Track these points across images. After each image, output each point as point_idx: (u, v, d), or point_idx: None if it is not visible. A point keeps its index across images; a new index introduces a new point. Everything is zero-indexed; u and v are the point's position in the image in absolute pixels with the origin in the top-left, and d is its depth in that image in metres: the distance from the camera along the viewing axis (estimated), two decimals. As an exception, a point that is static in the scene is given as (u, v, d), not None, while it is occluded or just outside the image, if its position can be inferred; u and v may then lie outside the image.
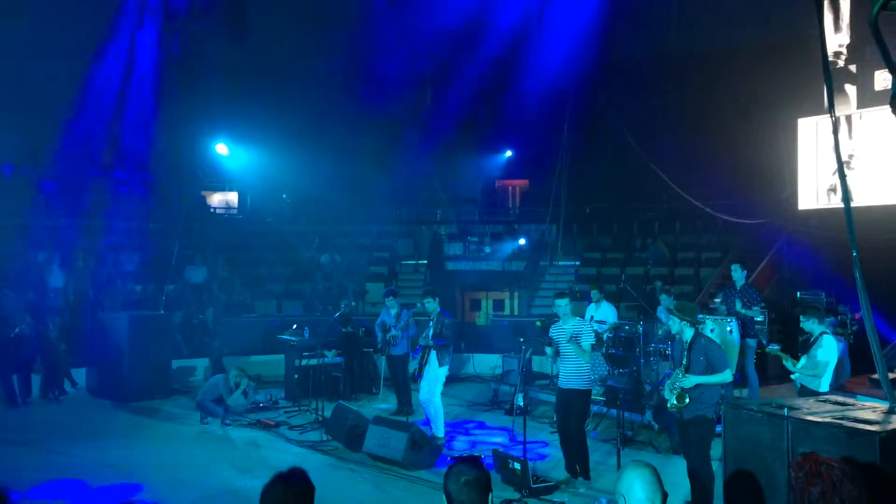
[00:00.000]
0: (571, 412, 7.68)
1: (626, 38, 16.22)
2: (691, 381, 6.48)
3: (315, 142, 19.31)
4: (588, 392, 7.78)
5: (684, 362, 6.57)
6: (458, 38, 17.86)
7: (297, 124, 19.07)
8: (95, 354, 12.66)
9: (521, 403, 10.13)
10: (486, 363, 13.61)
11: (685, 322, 6.64)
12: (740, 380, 9.62)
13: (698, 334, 6.70)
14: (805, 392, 7.35)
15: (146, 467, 8.44)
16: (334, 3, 18.24)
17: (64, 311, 13.63)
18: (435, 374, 9.49)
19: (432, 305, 9.74)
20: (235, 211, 21.99)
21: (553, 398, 10.42)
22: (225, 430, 10.26)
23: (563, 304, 7.72)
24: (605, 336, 10.38)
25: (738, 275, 10.15)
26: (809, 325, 7.72)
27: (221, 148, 20.15)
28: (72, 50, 15.89)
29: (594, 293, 11.33)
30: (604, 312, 11.04)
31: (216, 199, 22.35)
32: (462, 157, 20.97)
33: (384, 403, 11.47)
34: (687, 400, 6.46)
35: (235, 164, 20.50)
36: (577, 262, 17.34)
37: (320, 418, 10.46)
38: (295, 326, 12.76)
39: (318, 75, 18.69)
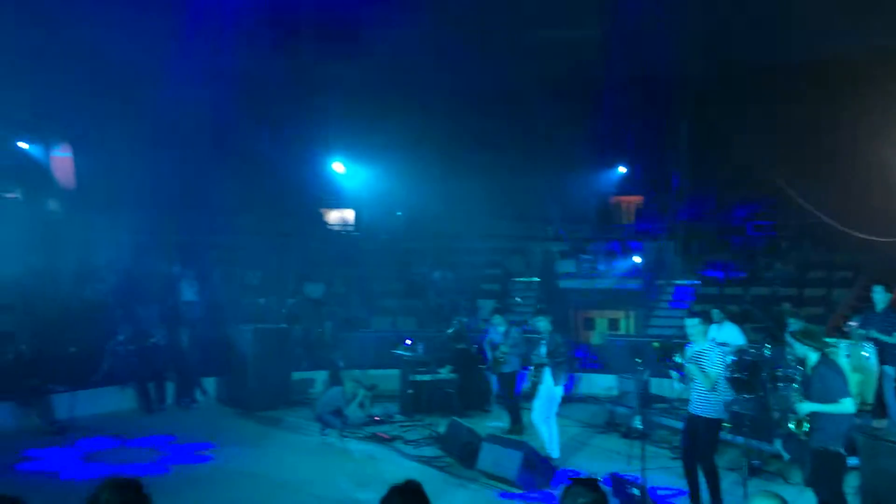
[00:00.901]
0: (698, 441, 7.34)
1: (748, 44, 15.53)
2: (806, 408, 6.14)
3: (428, 159, 19.62)
4: (718, 421, 7.31)
5: (803, 388, 6.24)
6: (569, 51, 17.76)
7: (411, 142, 19.44)
8: (223, 365, 13.28)
9: (639, 427, 9.92)
10: (600, 384, 13.35)
11: (809, 347, 6.29)
12: (878, 409, 8.99)
13: (822, 360, 6.30)
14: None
15: (269, 476, 8.77)
16: (446, 21, 18.48)
17: (195, 323, 14.37)
18: (549, 394, 9.40)
19: (544, 324, 9.68)
20: (352, 228, 22.61)
21: (673, 423, 10.15)
22: (343, 442, 10.50)
23: (692, 325, 7.42)
24: (728, 359, 9.95)
25: (880, 297, 9.40)
26: None
27: (338, 166, 20.81)
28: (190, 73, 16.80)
29: (716, 313, 10.88)
30: (727, 334, 10.60)
31: (333, 217, 23.07)
32: (575, 174, 20.75)
33: (497, 421, 11.42)
34: (806, 426, 6.11)
35: (352, 182, 21.11)
36: (697, 281, 16.74)
37: (434, 434, 10.57)
38: (409, 342, 12.98)
39: (431, 93, 18.99)
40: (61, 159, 18.18)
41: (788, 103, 16.75)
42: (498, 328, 11.17)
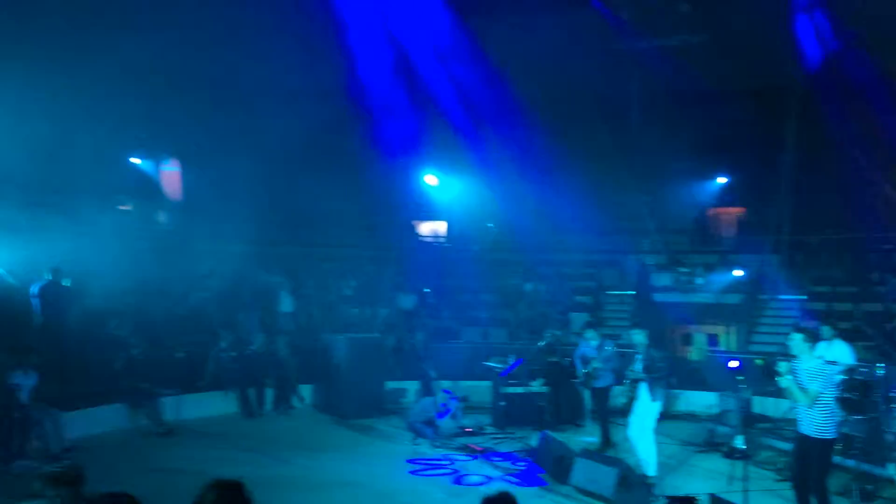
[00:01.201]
0: (810, 463, 6.96)
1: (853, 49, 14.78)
2: None
3: (521, 171, 19.57)
4: (830, 442, 6.89)
5: None
6: (666, 60, 17.40)
7: (502, 154, 19.46)
8: (319, 373, 13.60)
9: (742, 447, 9.54)
10: (699, 401, 12.93)
11: None
12: None
13: None
14: None
15: (362, 483, 8.90)
16: (540, 32, 18.42)
17: (293, 332, 14.78)
18: (646, 410, 9.16)
19: (640, 338, 9.45)
20: (444, 239, 22.79)
21: (779, 444, 9.71)
22: (435, 451, 10.56)
23: (796, 341, 7.06)
24: (837, 378, 9.44)
25: None
26: None
27: (431, 179, 21.02)
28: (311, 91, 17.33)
29: (826, 330, 10.34)
30: (837, 352, 10.05)
31: (425, 228, 23.32)
32: (671, 185, 20.25)
33: (590, 436, 11.23)
34: None
35: (444, 195, 21.29)
36: (804, 297, 15.97)
37: (526, 447, 10.48)
38: (506, 357, 12.94)
39: (524, 105, 18.96)
40: (170, 173, 19.12)
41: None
42: (590, 342, 10.99)
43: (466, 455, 10.41)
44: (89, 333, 12.47)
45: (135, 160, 18.92)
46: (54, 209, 13.88)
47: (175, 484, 8.08)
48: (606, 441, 10.66)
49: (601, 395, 10.85)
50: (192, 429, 11.53)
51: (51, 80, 13.68)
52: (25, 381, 9.63)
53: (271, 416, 12.77)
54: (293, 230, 18.77)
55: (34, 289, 11.46)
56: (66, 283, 12.26)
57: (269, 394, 13.12)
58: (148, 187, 18.90)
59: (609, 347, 10.85)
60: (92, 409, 11.07)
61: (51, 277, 11.56)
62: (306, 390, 13.54)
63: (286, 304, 15.45)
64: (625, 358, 11.08)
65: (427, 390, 13.20)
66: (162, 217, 18.88)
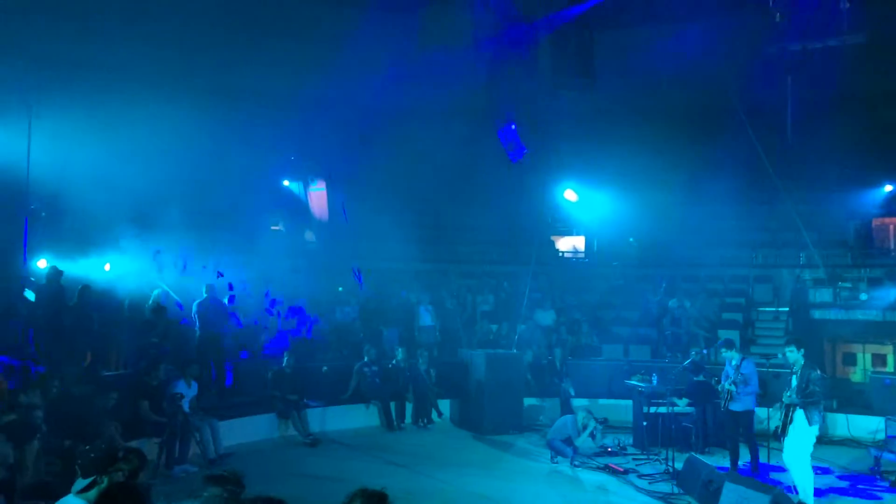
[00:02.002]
0: None
1: None
2: None
3: (662, 184, 19.00)
4: None
5: None
6: (822, 61, 16.35)
7: (643, 167, 18.96)
8: (458, 388, 13.73)
9: (913, 477, 8.73)
10: (863, 426, 11.93)
11: None
12: None
13: None
14: None
15: (500, 500, 8.88)
16: (683, 39, 17.85)
17: (431, 347, 15.03)
18: (802, 435, 8.55)
19: (795, 355, 8.75)
20: (582, 255, 22.46)
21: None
22: (574, 471, 10.38)
23: None
24: None
25: None
26: None
27: (570, 194, 20.82)
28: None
29: None
30: None
31: (564, 244, 23.07)
32: (829, 194, 18.92)
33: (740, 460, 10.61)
34: None
35: (583, 210, 21.01)
36: None
37: (671, 469, 10.08)
38: (643, 374, 12.56)
39: (667, 115, 18.44)
40: (317, 194, 20.08)
41: None
42: (731, 362, 10.30)
43: (607, 475, 10.15)
44: (243, 347, 13.29)
45: (285, 183, 20.05)
46: (212, 231, 14.87)
47: (320, 492, 8.44)
48: (753, 465, 10.03)
49: (738, 419, 10.08)
50: (336, 440, 11.97)
51: (210, 110, 14.81)
52: (187, 391, 10.37)
53: (411, 430, 13.02)
54: (434, 247, 19.14)
55: (194, 304, 12.32)
56: (224, 298, 13.11)
57: (409, 408, 13.37)
58: (297, 208, 19.95)
59: (749, 367, 10.07)
60: (245, 419, 11.74)
61: (207, 294, 12.38)
62: (445, 405, 13.69)
63: (426, 319, 15.73)
64: (779, 378, 10.45)
65: (566, 408, 13.01)
66: (309, 235, 19.81)
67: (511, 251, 20.21)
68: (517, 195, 19.99)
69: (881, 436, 10.84)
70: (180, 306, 12.80)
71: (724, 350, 10.42)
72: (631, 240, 20.96)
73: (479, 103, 18.15)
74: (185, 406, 10.17)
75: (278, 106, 17.52)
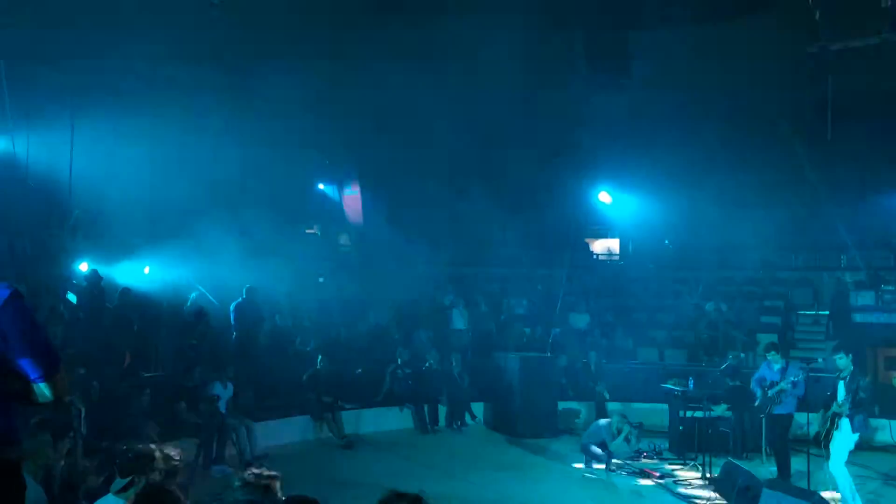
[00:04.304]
0: None
1: None
2: None
3: (698, 185, 18.76)
4: None
5: None
6: (864, 62, 15.99)
7: (679, 169, 18.75)
8: (491, 391, 13.71)
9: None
10: (909, 432, 11.66)
11: None
12: None
13: None
14: None
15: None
16: (718, 41, 17.60)
17: (465, 350, 15.03)
18: (846, 441, 8.42)
19: (844, 362, 8.64)
20: (617, 257, 22.29)
21: None
22: (608, 475, 10.30)
23: None
24: None
25: None
26: None
27: (604, 196, 20.69)
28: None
29: None
30: None
31: (599, 246, 22.92)
32: (871, 194, 18.50)
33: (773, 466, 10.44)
34: None
35: (617, 212, 20.86)
36: None
37: (707, 475, 9.95)
38: (679, 378, 12.42)
39: (698, 117, 18.18)
40: (352, 197, 20.21)
41: None
42: (773, 365, 10.19)
43: (642, 480, 10.06)
44: (279, 349, 13.42)
45: (320, 186, 20.24)
46: (248, 233, 15.05)
47: (355, 493, 8.49)
48: (786, 472, 9.86)
49: (781, 422, 10.01)
50: (370, 442, 12.04)
51: (246, 114, 14.99)
52: (224, 392, 10.51)
53: (445, 433, 13.02)
54: (468, 249, 19.14)
55: (231, 306, 12.49)
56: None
57: (443, 411, 13.38)
58: (332, 211, 20.11)
59: (796, 371, 9.99)
60: (281, 420, 11.86)
61: (245, 296, 12.54)
62: (478, 408, 13.69)
63: (459, 322, 15.74)
64: (819, 383, 10.26)
65: (601, 412, 12.91)
66: (344, 239, 19.96)
67: (546, 253, 20.12)
68: (552, 196, 19.89)
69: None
70: (216, 307, 12.98)
71: (769, 354, 10.31)
72: (667, 242, 20.75)
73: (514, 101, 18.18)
74: (222, 407, 10.31)
75: (312, 109, 17.70)
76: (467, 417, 13.41)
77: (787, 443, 10.01)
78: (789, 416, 9.96)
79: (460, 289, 17.31)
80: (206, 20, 13.98)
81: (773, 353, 10.32)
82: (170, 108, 13.58)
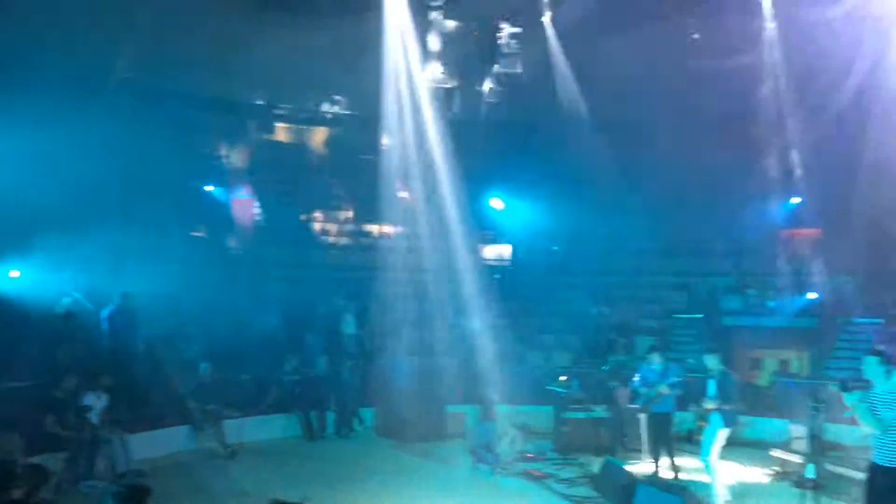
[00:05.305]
0: (883, 494, 6.60)
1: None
2: None
3: (584, 194, 19.42)
4: None
5: None
6: (736, 79, 17.03)
7: (566, 176, 19.34)
8: (381, 396, 13.67)
9: (812, 476, 9.12)
10: (769, 428, 12.42)
11: None
12: None
13: None
14: None
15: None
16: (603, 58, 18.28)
17: (356, 355, 14.92)
18: (716, 436, 8.94)
19: (713, 362, 9.23)
20: (508, 262, 22.67)
21: (852, 473, 9.25)
22: (495, 477, 10.48)
23: (870, 364, 6.71)
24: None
25: None
26: None
27: (496, 202, 21.04)
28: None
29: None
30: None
31: (490, 252, 23.24)
32: (742, 206, 19.68)
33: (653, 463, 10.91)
34: None
35: (508, 218, 21.27)
36: (880, 320, 15.27)
37: (588, 473, 10.29)
38: (564, 378, 12.79)
39: (587, 126, 18.83)
40: (242, 200, 19.70)
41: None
42: (653, 366, 10.68)
43: (527, 481, 10.28)
44: (158, 356, 12.90)
45: (208, 188, 19.64)
46: (126, 235, 14.42)
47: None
48: (672, 468, 10.34)
49: (662, 420, 10.51)
50: (255, 451, 11.77)
51: (133, 114, 14.41)
52: (96, 403, 10.01)
53: (332, 440, 12.89)
54: (365, 252, 19.00)
55: (104, 313, 11.92)
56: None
57: (331, 417, 13.23)
58: (220, 214, 19.53)
59: (675, 371, 10.52)
60: (160, 431, 11.41)
61: (119, 302, 12.01)
62: (367, 413, 13.62)
63: (350, 326, 15.61)
64: (692, 383, 10.78)
65: (488, 415, 13.09)
66: (232, 242, 19.42)
67: (438, 257, 20.22)
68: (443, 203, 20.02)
69: (786, 437, 11.29)
70: (92, 314, 12.36)
71: (650, 355, 10.77)
72: (555, 248, 21.28)
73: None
74: (94, 418, 9.81)
75: (203, 108, 17.22)
76: (356, 423, 13.33)
77: (670, 439, 10.47)
78: (669, 414, 10.43)
79: (352, 292, 17.18)
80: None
81: (654, 354, 10.81)
82: (49, 102, 12.84)
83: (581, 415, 12.17)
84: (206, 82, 16.70)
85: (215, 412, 11.78)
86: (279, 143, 18.21)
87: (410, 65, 17.07)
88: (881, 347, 7.44)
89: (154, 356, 12.88)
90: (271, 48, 15.21)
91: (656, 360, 10.65)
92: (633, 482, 8.75)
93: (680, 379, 10.28)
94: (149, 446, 10.92)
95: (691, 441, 11.29)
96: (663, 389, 10.25)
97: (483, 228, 22.00)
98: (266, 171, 18.52)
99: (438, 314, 17.01)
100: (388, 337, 16.16)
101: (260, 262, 17.33)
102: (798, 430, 10.59)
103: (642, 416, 11.21)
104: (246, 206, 19.67)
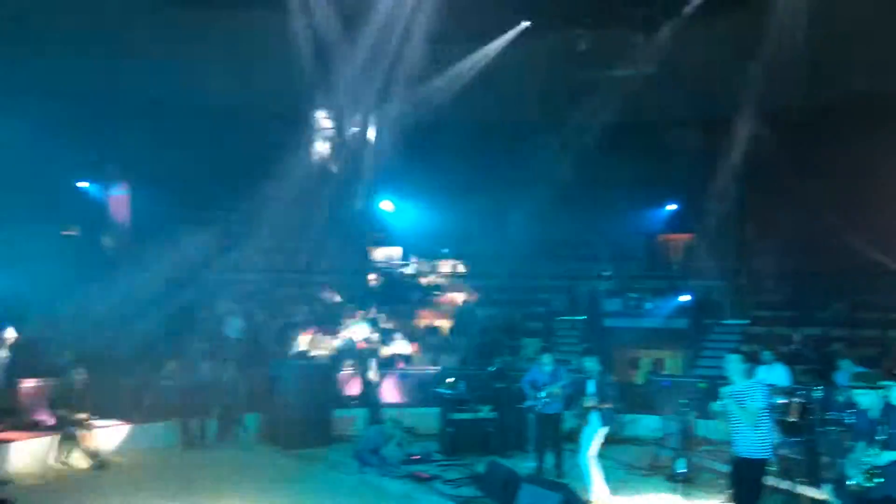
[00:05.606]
0: (743, 483, 7.10)
1: (796, 81, 15.20)
2: (887, 457, 5.84)
3: (474, 197, 19.75)
4: (762, 462, 7.04)
5: (878, 437, 5.93)
6: (618, 89, 17.79)
7: (457, 180, 19.60)
8: (266, 401, 13.36)
9: (683, 470, 9.64)
10: (645, 425, 13.01)
11: (872, 392, 6.06)
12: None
13: (891, 406, 6.07)
14: None
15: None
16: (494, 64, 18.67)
17: (239, 359, 14.50)
18: (594, 435, 9.28)
19: (592, 364, 9.57)
20: (398, 265, 22.69)
21: (720, 466, 9.83)
22: (381, 480, 10.46)
23: (733, 362, 7.17)
24: (775, 400, 9.62)
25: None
26: None
27: (387, 204, 21.06)
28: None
29: (766, 354, 10.63)
30: (777, 375, 10.30)
31: (380, 254, 23.20)
32: (622, 212, 20.57)
33: (536, 462, 11.20)
34: (875, 481, 5.82)
35: (400, 220, 21.33)
36: (746, 321, 16.33)
37: (473, 474, 10.44)
38: (451, 380, 12.93)
39: (474, 132, 19.18)
40: (118, 197, 18.81)
41: (840, 143, 16.40)
42: (544, 367, 10.93)
43: (413, 483, 10.31)
44: (24, 362, 12.12)
45: (82, 184, 18.66)
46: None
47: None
48: (557, 467, 10.65)
49: (553, 420, 10.79)
50: (129, 461, 11.22)
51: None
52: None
53: (214, 447, 12.42)
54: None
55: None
56: None
57: (213, 424, 12.81)
58: (95, 212, 18.59)
59: (565, 373, 10.82)
60: (23, 442, 10.69)
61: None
62: (252, 419, 13.27)
63: (233, 330, 15.18)
64: (577, 383, 11.13)
65: (375, 418, 13.08)
66: (108, 241, 18.50)
67: (326, 260, 20.04)
68: (334, 206, 19.88)
69: (660, 433, 11.85)
70: None
71: (542, 357, 11.02)
72: (445, 251, 21.50)
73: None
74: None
75: (75, 105, 16.35)
76: (239, 430, 12.95)
77: (558, 439, 10.74)
78: (559, 415, 10.71)
79: (238, 295, 16.74)
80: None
81: (545, 355, 11.05)
82: None
83: (467, 416, 12.33)
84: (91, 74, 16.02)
85: (85, 421, 11.15)
86: (162, 139, 17.48)
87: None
88: (741, 347, 8.00)
89: (21, 362, 12.07)
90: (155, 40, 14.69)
91: (547, 362, 10.91)
92: (516, 481, 8.93)
93: (570, 381, 10.59)
94: (12, 459, 10.22)
95: (573, 440, 11.66)
96: (556, 391, 10.54)
97: (373, 230, 22.03)
98: (144, 168, 17.73)
99: (326, 317, 16.88)
100: (275, 341, 15.89)
101: (138, 262, 16.56)
102: (671, 427, 11.14)
103: (531, 416, 11.46)
104: (122, 203, 18.81)
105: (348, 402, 14.14)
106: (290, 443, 12.39)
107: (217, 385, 13.03)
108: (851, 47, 15.46)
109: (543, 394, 10.62)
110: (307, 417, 12.67)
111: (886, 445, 5.88)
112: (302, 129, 18.02)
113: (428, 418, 13.10)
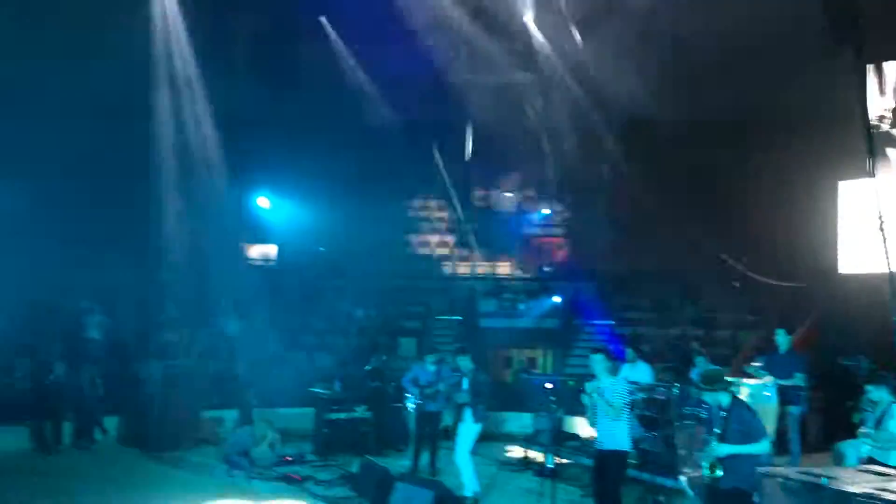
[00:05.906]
0: (606, 475, 7.43)
1: (659, 96, 16.05)
2: (724, 450, 6.26)
3: (353, 197, 19.59)
4: (624, 454, 7.43)
5: (717, 430, 6.37)
6: (495, 94, 18.19)
7: (336, 179, 19.37)
8: (129, 403, 12.73)
9: (551, 465, 9.96)
10: (517, 422, 13.35)
11: (717, 391, 6.49)
12: (779, 447, 9.28)
13: (736, 402, 6.53)
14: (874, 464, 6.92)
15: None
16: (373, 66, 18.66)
17: (99, 360, 13.75)
18: (468, 432, 9.41)
19: (466, 363, 9.71)
20: (273, 263, 22.18)
21: (586, 461, 10.22)
22: (250, 483, 10.18)
23: (596, 361, 7.51)
24: (637, 397, 10.11)
25: (782, 339, 9.88)
26: (879, 394, 7.18)
27: (262, 201, 20.53)
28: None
29: (629, 353, 11.13)
30: (639, 373, 10.80)
31: (255, 251, 22.59)
32: (499, 213, 21.05)
33: (412, 460, 11.26)
34: (720, 471, 6.23)
35: (276, 218, 20.83)
36: (613, 322, 17.08)
37: (347, 473, 10.36)
38: (327, 382, 12.77)
39: (355, 131, 19.06)
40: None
41: (700, 156, 17.40)
42: (428, 367, 11.02)
43: (285, 485, 10.10)
44: None
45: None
46: None
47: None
48: (433, 464, 10.73)
49: (433, 418, 10.86)
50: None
51: None
52: None
53: (69, 452, 11.69)
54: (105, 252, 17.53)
55: None
56: None
57: (69, 427, 12.05)
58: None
59: (448, 372, 10.92)
60: None
61: None
62: (112, 422, 12.58)
63: (93, 330, 14.35)
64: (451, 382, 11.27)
65: (246, 419, 12.71)
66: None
67: (198, 257, 19.26)
68: (205, 201, 19.16)
69: (531, 430, 12.19)
70: None
71: (427, 356, 11.10)
72: (322, 249, 21.21)
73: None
74: None
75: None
76: (97, 433, 12.25)
77: (436, 437, 10.82)
78: (440, 413, 10.84)
79: (99, 293, 15.81)
80: None
81: (430, 355, 11.19)
82: None
83: (342, 416, 12.22)
84: None
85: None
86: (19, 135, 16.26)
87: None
88: (604, 346, 8.39)
89: None
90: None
91: (431, 361, 11.02)
92: (389, 480, 8.93)
93: (453, 379, 10.69)
94: None
95: (448, 437, 11.80)
96: (441, 389, 10.62)
97: (248, 227, 21.40)
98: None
99: (195, 315, 16.25)
100: (137, 340, 15.15)
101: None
102: (541, 423, 11.48)
103: (411, 415, 11.47)
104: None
105: (217, 402, 13.67)
106: (152, 445, 11.85)
107: (72, 386, 12.26)
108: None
109: (430, 391, 10.68)
110: (171, 419, 12.17)
111: (723, 438, 6.31)
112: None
113: (303, 418, 12.88)
